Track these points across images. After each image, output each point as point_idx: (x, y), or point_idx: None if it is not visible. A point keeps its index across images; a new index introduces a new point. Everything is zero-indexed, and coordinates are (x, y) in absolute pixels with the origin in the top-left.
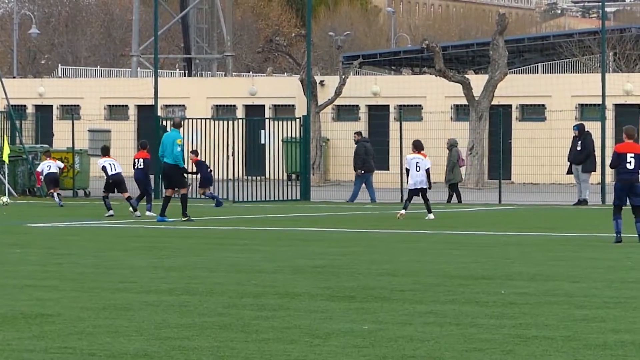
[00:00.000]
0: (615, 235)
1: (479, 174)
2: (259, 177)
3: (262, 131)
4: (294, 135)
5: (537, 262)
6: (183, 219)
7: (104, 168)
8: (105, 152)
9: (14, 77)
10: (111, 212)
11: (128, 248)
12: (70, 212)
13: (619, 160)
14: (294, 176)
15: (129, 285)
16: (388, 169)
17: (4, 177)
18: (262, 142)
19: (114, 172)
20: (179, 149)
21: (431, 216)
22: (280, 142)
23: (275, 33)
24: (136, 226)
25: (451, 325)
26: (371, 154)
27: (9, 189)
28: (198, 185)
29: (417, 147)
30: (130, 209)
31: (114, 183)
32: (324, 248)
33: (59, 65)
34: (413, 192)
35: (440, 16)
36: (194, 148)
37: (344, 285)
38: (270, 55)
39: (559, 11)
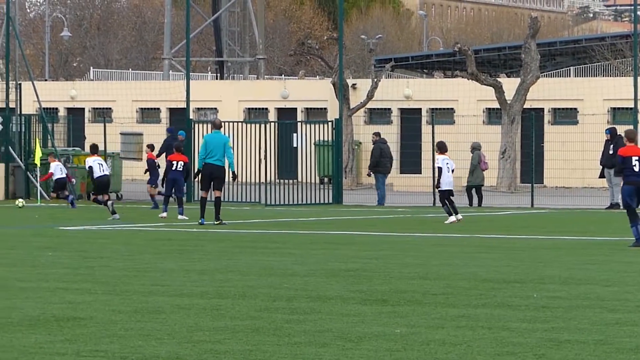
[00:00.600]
0: (635, 239)
1: (511, 178)
2: (291, 181)
3: (295, 134)
4: (326, 139)
5: (569, 265)
6: (216, 223)
7: (90, 168)
8: (95, 150)
9: (46, 80)
10: (116, 215)
11: (160, 251)
12: (102, 215)
13: (624, 163)
14: (326, 179)
15: (161, 289)
16: (420, 173)
17: (36, 180)
18: (295, 145)
19: (102, 173)
20: (232, 151)
21: (452, 219)
22: (313, 146)
23: (307, 36)
24: (168, 229)
25: (483, 329)
26: (387, 156)
27: (40, 192)
28: (148, 182)
29: (444, 148)
30: (111, 210)
31: (101, 184)
32: (356, 251)
33: (91, 68)
34: (449, 193)
35: (473, 19)
36: (151, 142)
37: (376, 288)
38: (302, 58)
39: (591, 15)
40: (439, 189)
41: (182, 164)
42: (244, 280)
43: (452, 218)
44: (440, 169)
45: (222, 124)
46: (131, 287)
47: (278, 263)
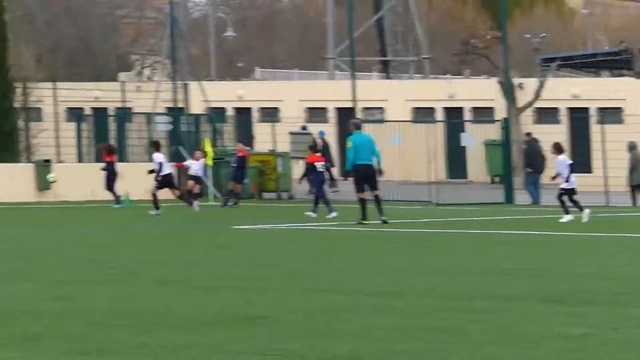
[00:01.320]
0: None
1: None
2: (461, 180)
3: (462, 134)
4: (494, 138)
5: None
6: (382, 219)
7: (160, 164)
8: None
9: (213, 80)
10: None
11: (333, 250)
12: (273, 214)
13: None
14: (497, 179)
15: (338, 287)
16: (590, 172)
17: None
18: (463, 144)
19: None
20: (377, 148)
21: (570, 217)
22: (481, 145)
23: (471, 36)
24: (336, 229)
25: None
26: (540, 155)
27: (214, 192)
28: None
29: (561, 149)
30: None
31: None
32: (530, 251)
33: (256, 68)
34: (572, 191)
35: (637, 18)
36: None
37: (553, 287)
38: (467, 57)
39: None
40: (566, 187)
41: (323, 164)
42: (419, 280)
43: (569, 217)
44: (558, 173)
45: (362, 123)
46: (307, 285)
47: (452, 262)
